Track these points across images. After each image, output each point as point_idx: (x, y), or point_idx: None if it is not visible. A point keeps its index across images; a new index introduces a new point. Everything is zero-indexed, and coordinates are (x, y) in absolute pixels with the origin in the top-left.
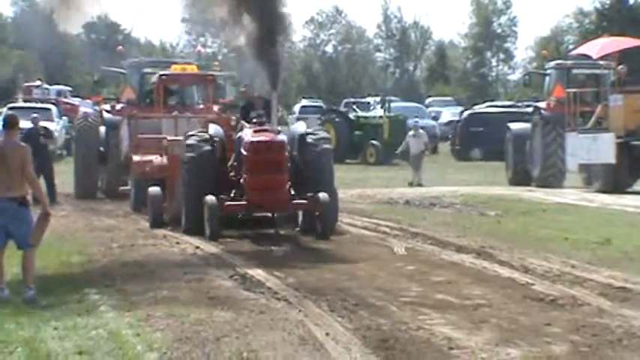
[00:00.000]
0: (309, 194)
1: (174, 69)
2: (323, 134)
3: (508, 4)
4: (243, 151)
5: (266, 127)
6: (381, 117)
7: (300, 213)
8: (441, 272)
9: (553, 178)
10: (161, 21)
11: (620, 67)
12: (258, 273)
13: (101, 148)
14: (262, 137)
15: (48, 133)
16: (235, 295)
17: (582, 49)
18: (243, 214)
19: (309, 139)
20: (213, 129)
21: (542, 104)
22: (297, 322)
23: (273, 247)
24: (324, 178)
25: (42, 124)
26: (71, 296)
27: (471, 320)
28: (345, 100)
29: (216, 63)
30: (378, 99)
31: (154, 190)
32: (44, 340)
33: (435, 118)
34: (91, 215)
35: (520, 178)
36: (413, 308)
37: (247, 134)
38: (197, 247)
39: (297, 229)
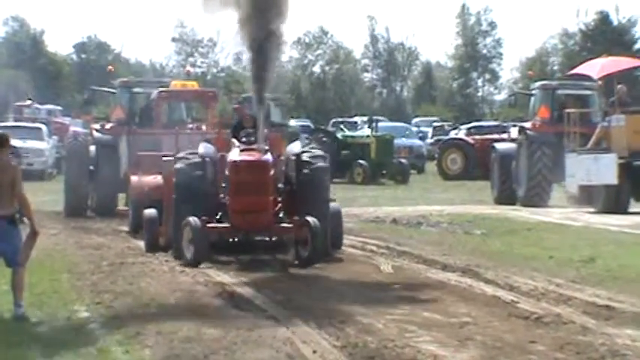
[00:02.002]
0: (295, 218)
1: (174, 85)
2: (319, 154)
3: (493, 25)
4: (227, 171)
5: (253, 146)
6: (368, 137)
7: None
8: (427, 290)
9: (538, 197)
10: (151, 41)
11: (619, 86)
12: (246, 290)
13: (91, 167)
14: (245, 157)
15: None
16: (224, 313)
17: (581, 69)
18: (235, 237)
19: (305, 159)
20: (204, 148)
21: (527, 124)
22: (284, 339)
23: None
24: (319, 200)
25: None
26: (61, 313)
27: (457, 338)
28: (333, 120)
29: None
30: (365, 119)
31: (150, 212)
32: (34, 358)
33: (422, 138)
34: (80, 233)
35: (505, 197)
36: (399, 326)
37: (232, 154)
38: (186, 265)
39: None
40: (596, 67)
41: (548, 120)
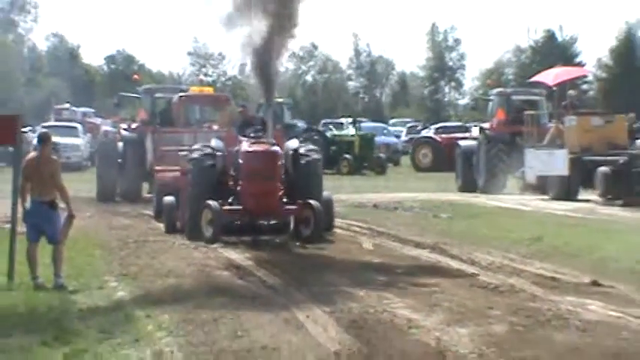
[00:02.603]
0: (299, 201)
1: (193, 90)
2: (314, 151)
3: (458, 41)
4: (240, 160)
5: (262, 140)
6: (352, 135)
7: (292, 221)
8: (402, 264)
9: (495, 186)
10: (170, 54)
11: (571, 92)
12: (249, 265)
13: (119, 160)
14: (257, 147)
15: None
16: (230, 284)
17: (539, 78)
18: (240, 220)
19: (302, 154)
20: (215, 142)
21: (486, 125)
22: (282, 306)
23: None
24: (314, 189)
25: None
26: (94, 283)
27: (427, 304)
28: (323, 121)
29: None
30: (350, 120)
31: (168, 199)
32: (71, 320)
33: (398, 136)
34: (110, 216)
35: (468, 186)
36: (378, 294)
37: (244, 145)
38: (206, 243)
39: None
40: (551, 76)
41: (503, 121)
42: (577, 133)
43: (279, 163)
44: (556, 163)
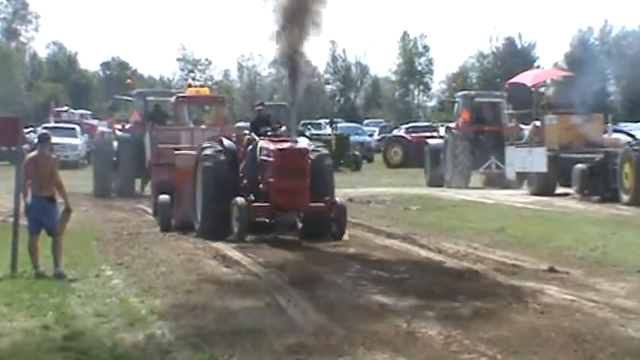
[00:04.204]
0: (326, 198)
1: (190, 91)
2: (323, 147)
3: (427, 48)
4: (268, 158)
5: (282, 138)
6: (329, 134)
7: (298, 220)
8: (375, 253)
9: (460, 181)
10: (160, 60)
11: (549, 92)
12: (235, 254)
13: (114, 158)
14: (289, 145)
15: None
16: (217, 272)
17: (517, 79)
18: (274, 216)
19: (313, 153)
20: (226, 142)
21: (452, 125)
22: (265, 292)
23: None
24: (327, 183)
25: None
26: (91, 272)
27: (398, 290)
28: (303, 122)
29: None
30: (327, 120)
31: (163, 198)
32: (70, 306)
33: (371, 135)
34: (106, 210)
35: (435, 181)
36: (354, 281)
37: (269, 144)
38: (188, 235)
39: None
40: (529, 77)
41: (468, 121)
42: (557, 132)
43: (309, 160)
44: (535, 160)
